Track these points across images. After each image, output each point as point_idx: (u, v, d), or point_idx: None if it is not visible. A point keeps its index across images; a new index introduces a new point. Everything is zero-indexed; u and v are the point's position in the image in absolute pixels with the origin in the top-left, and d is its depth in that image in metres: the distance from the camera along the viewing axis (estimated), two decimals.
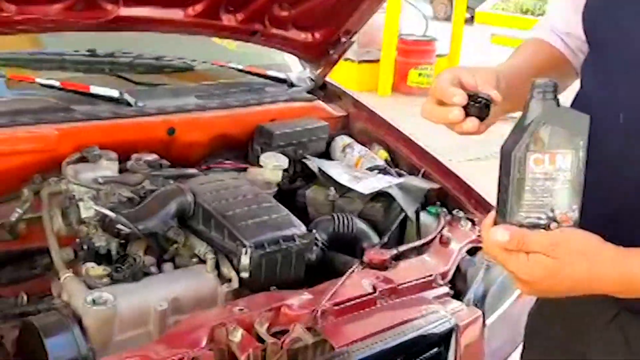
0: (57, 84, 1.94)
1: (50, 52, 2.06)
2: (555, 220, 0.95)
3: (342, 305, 1.57)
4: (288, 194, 2.13)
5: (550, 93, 0.95)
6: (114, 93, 1.98)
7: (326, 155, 2.36)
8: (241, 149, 2.27)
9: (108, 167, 1.85)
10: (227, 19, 2.13)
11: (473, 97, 1.06)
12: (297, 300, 1.56)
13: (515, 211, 0.96)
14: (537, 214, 0.96)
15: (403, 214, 2.02)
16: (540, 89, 0.95)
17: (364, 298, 1.62)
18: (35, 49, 2.14)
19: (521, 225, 0.96)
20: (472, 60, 8.54)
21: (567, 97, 1.15)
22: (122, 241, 1.78)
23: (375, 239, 1.91)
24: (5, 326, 1.71)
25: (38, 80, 1.91)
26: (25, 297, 1.72)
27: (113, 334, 1.50)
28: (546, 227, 0.96)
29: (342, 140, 2.38)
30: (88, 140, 1.89)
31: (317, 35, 2.36)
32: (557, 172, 0.94)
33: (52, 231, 1.73)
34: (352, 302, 1.59)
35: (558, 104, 0.96)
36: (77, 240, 1.78)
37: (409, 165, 2.26)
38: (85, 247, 1.75)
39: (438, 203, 2.11)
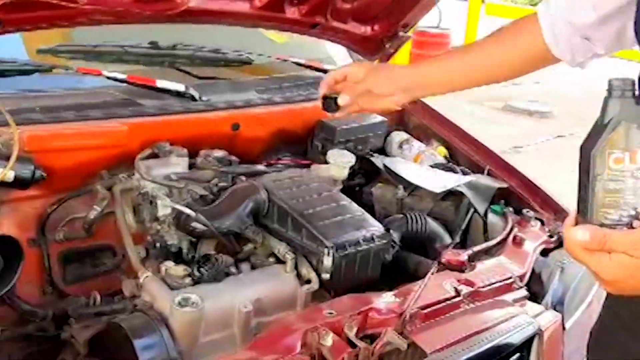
0: (123, 77, 1.89)
1: (112, 45, 2.01)
2: (638, 218, 0.93)
3: (428, 310, 1.54)
4: (347, 190, 2.09)
5: (629, 91, 0.93)
6: (180, 87, 1.94)
7: (382, 151, 2.33)
8: (300, 144, 2.24)
9: (178, 164, 1.82)
10: (291, 12, 2.08)
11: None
12: (384, 303, 1.52)
13: (595, 210, 0.94)
14: (618, 212, 0.94)
15: (471, 213, 1.99)
16: (619, 88, 0.93)
17: (449, 302, 1.59)
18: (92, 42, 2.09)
19: (602, 225, 0.94)
20: None
21: None
22: (194, 240, 1.75)
23: (447, 239, 1.88)
24: (77, 326, 1.68)
25: (105, 73, 1.87)
26: (98, 297, 1.69)
27: (199, 336, 1.47)
28: (629, 226, 0.94)
29: (398, 136, 2.35)
30: (157, 135, 1.85)
31: (376, 28, 2.31)
32: (638, 170, 0.92)
33: (127, 229, 1.69)
34: (438, 306, 1.56)
35: (637, 102, 0.94)
36: (149, 238, 1.75)
37: (470, 162, 2.23)
38: (157, 245, 1.72)
39: (502, 201, 2.08)
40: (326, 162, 2.07)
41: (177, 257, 1.78)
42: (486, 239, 1.97)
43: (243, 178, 1.81)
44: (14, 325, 1.73)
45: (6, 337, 1.71)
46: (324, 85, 1.62)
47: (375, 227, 1.71)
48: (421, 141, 2.33)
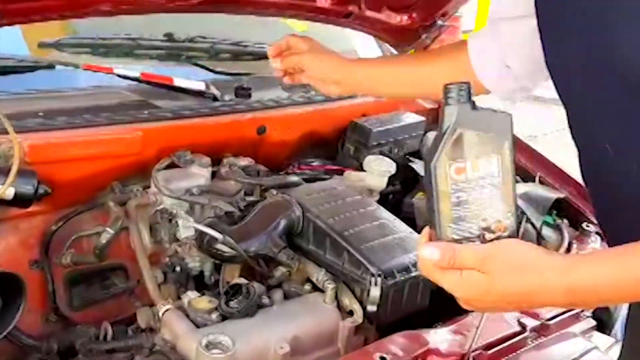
0: (137, 75, 1.67)
1: (122, 37, 1.79)
2: (489, 230, 0.87)
3: (493, 350, 1.34)
4: (380, 200, 1.88)
5: (464, 96, 0.86)
6: (200, 86, 1.73)
7: (417, 154, 2.11)
8: (329, 147, 2.02)
9: (201, 175, 1.61)
10: (321, 1, 1.86)
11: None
12: (443, 342, 1.32)
13: (444, 226, 0.88)
14: (467, 225, 0.87)
15: (523, 227, 1.77)
16: (453, 93, 0.86)
17: (514, 339, 1.38)
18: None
19: (453, 240, 0.88)
20: None
21: None
22: (217, 262, 1.55)
23: None
24: None
25: (117, 71, 1.65)
26: (110, 329, 1.48)
27: None
28: (482, 239, 0.87)
29: (433, 136, 2.12)
30: (174, 141, 1.64)
31: (412, 17, 2.09)
32: (482, 179, 0.86)
33: (143, 251, 1.48)
34: (503, 345, 1.36)
35: (474, 107, 0.87)
36: (167, 259, 1.54)
37: (517, 167, 2.01)
38: (177, 268, 1.51)
39: (554, 212, 1.87)
40: (359, 168, 1.86)
41: (198, 282, 1.57)
42: None
43: (274, 192, 1.59)
44: (12, 358, 1.53)
45: None
46: (271, 50, 1.48)
47: None
48: None
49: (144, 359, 1.30)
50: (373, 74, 1.46)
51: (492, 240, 0.87)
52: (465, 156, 0.86)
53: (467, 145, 0.86)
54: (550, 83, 1.06)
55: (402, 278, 1.42)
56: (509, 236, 0.89)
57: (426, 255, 0.88)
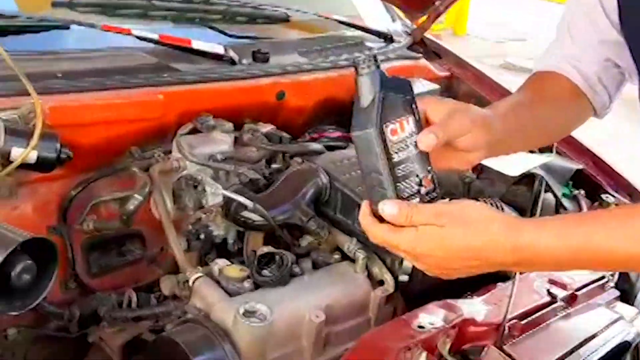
0: (155, 36, 1.62)
1: None
2: (421, 185, 0.96)
3: (526, 320, 1.33)
4: None
5: (375, 65, 0.93)
6: (219, 49, 1.67)
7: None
8: (344, 114, 1.98)
9: (223, 140, 1.56)
10: None
11: None
12: (477, 312, 1.32)
13: (392, 187, 0.93)
14: (409, 183, 0.95)
15: (542, 199, 1.77)
16: (370, 63, 0.93)
17: (546, 309, 1.38)
18: None
19: (402, 199, 0.94)
20: None
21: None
22: (241, 230, 1.52)
23: None
24: (110, 330, 1.44)
25: (135, 32, 1.59)
26: (134, 296, 1.45)
27: (266, 352, 1.25)
28: (420, 195, 0.96)
29: None
30: (195, 106, 1.59)
31: None
32: (408, 138, 0.94)
33: (169, 218, 1.44)
34: (535, 315, 1.36)
35: (383, 72, 0.94)
36: (190, 227, 1.51)
37: None
38: (201, 236, 1.48)
39: (570, 183, 1.87)
40: None
41: (221, 250, 1.55)
42: None
43: (298, 159, 1.56)
44: (31, 324, 1.49)
45: (23, 338, 1.47)
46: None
47: None
48: None
49: (177, 326, 1.27)
50: (512, 132, 1.16)
51: (426, 194, 0.96)
52: (393, 118, 0.92)
53: (392, 107, 0.92)
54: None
55: None
56: (434, 190, 0.97)
57: (386, 211, 0.93)
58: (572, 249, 0.91)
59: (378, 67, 0.93)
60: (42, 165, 1.35)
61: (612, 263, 0.97)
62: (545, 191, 1.74)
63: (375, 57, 0.93)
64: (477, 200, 1.60)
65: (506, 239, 0.91)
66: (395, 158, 0.93)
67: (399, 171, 0.94)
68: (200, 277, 1.34)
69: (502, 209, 1.64)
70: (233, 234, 1.53)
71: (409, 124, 0.94)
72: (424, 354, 1.20)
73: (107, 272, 1.60)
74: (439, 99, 1.12)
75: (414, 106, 0.95)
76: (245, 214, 1.44)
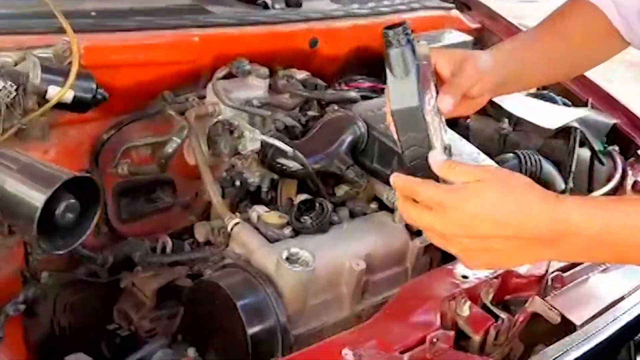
0: None
1: None
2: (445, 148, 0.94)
3: (568, 272, 1.32)
4: None
5: (406, 38, 0.87)
6: None
7: None
8: (376, 65, 1.94)
9: (258, 86, 1.53)
10: None
11: None
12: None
13: (441, 152, 0.91)
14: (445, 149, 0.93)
15: (576, 154, 1.74)
16: (397, 38, 0.87)
17: (586, 263, 1.37)
18: None
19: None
20: None
21: None
22: (275, 178, 1.49)
23: (561, 183, 1.64)
24: (144, 275, 1.43)
25: None
26: (169, 242, 1.43)
27: (307, 298, 1.24)
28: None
29: None
30: (229, 50, 1.55)
31: None
32: (434, 103, 0.93)
33: (205, 163, 1.41)
34: (577, 268, 1.34)
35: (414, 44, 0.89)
36: (224, 173, 1.48)
37: (566, 93, 1.97)
38: (237, 183, 1.45)
39: (604, 139, 1.84)
40: None
41: (254, 198, 1.52)
42: (590, 183, 1.75)
43: (335, 107, 1.53)
44: (61, 269, 1.48)
45: (54, 283, 1.45)
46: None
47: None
48: None
49: (217, 271, 1.26)
50: (524, 70, 1.14)
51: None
52: (425, 87, 0.89)
53: (423, 76, 0.88)
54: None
55: None
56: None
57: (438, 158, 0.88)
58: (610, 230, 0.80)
59: (409, 39, 0.87)
60: (77, 105, 1.32)
61: None
62: (582, 145, 1.71)
63: (405, 27, 0.87)
64: (514, 153, 1.58)
65: (544, 206, 0.82)
66: (431, 128, 0.89)
67: (434, 138, 0.90)
68: (238, 223, 1.32)
69: (540, 162, 1.61)
70: (267, 181, 1.50)
71: (432, 90, 0.92)
72: (468, 304, 1.19)
73: (138, 218, 1.59)
74: (444, 50, 1.04)
75: (430, 73, 0.94)
76: (282, 160, 1.42)
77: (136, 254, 1.41)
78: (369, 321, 1.14)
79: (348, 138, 1.45)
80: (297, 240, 1.28)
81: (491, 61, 1.04)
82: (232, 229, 1.31)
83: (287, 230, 1.30)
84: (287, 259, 1.19)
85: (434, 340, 1.10)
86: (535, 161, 1.59)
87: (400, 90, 0.87)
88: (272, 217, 1.32)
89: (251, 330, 1.14)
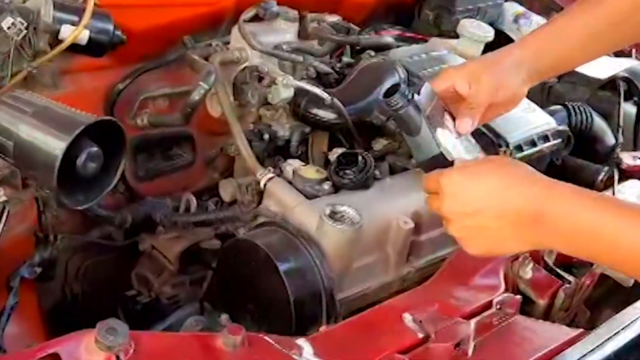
0: None
1: None
2: None
3: None
4: None
5: (407, 100, 0.91)
6: None
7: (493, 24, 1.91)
8: (404, 12, 1.82)
9: (287, 30, 1.39)
10: None
11: None
12: None
13: None
14: None
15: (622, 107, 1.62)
16: (400, 103, 0.91)
17: None
18: None
19: None
20: None
21: None
22: (307, 131, 1.37)
23: (611, 138, 1.52)
24: (166, 236, 1.31)
25: None
26: (194, 201, 1.31)
27: (352, 259, 1.12)
28: None
29: (512, 7, 1.93)
30: None
31: None
32: (452, 129, 0.96)
33: (233, 113, 1.29)
34: None
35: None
36: (251, 126, 1.36)
37: None
38: (265, 136, 1.33)
39: None
40: (439, 36, 1.67)
41: (284, 153, 1.40)
42: (636, 139, 1.64)
43: (371, 52, 1.40)
44: (73, 230, 1.36)
45: (64, 246, 1.33)
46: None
47: (547, 122, 1.34)
48: (539, 15, 1.92)
49: (252, 230, 1.14)
50: (561, 56, 1.07)
51: None
52: (440, 125, 0.94)
53: (435, 118, 0.93)
54: None
55: (529, 152, 1.27)
56: None
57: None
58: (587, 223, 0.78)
59: (409, 98, 0.90)
60: (93, 48, 1.19)
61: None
62: (631, 97, 1.59)
63: (404, 92, 0.90)
64: (562, 104, 1.46)
65: (532, 187, 0.82)
66: (455, 155, 0.92)
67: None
68: (273, 177, 1.19)
69: (591, 115, 1.49)
70: (298, 135, 1.37)
71: (448, 120, 0.95)
72: (531, 265, 1.08)
73: (155, 176, 1.47)
74: (459, 68, 1.00)
75: (439, 100, 0.95)
76: (317, 111, 1.29)
77: (158, 213, 1.30)
78: (427, 283, 1.03)
79: (387, 86, 1.32)
80: (338, 197, 1.16)
81: (519, 57, 1.00)
82: (265, 185, 1.19)
83: (327, 186, 1.18)
84: (331, 216, 1.07)
85: (500, 305, 0.99)
86: (586, 114, 1.47)
87: (419, 145, 0.93)
88: (310, 172, 1.20)
89: (294, 295, 1.03)
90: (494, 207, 0.82)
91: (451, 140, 0.93)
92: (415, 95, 0.91)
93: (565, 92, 1.59)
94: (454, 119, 0.95)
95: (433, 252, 1.25)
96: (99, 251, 1.43)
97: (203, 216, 1.25)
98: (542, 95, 1.59)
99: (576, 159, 1.44)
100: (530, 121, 1.32)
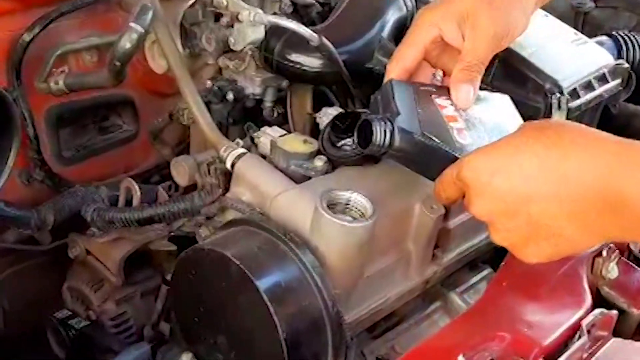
0: None
1: None
2: None
3: None
4: None
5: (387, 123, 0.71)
6: None
7: None
8: None
9: None
10: None
11: None
12: None
13: None
14: None
15: None
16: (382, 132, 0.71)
17: None
18: None
19: None
20: None
21: None
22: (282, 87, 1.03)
23: None
24: (103, 240, 0.98)
25: None
26: (137, 189, 0.96)
27: (363, 267, 0.79)
28: None
29: None
30: None
31: None
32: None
33: (182, 63, 0.93)
34: None
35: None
36: (208, 82, 1.01)
37: None
38: (228, 96, 0.99)
39: None
40: None
41: (253, 117, 1.06)
42: None
43: None
44: None
45: None
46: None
47: (603, 57, 1.02)
48: None
49: (220, 231, 0.80)
50: None
51: None
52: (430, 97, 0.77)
53: (424, 97, 0.77)
54: None
55: (588, 98, 0.94)
56: None
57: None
58: None
59: (391, 131, 0.71)
60: None
61: None
62: None
63: (383, 118, 0.71)
64: (608, 35, 1.14)
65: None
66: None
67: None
68: (243, 154, 0.85)
69: (637, 42, 1.17)
70: (272, 91, 1.03)
71: (442, 99, 0.77)
72: (616, 260, 0.76)
73: (86, 156, 1.12)
74: (439, 8, 0.78)
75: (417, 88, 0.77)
76: (297, 57, 0.94)
77: (88, 208, 0.94)
78: (481, 302, 0.70)
79: (391, 19, 0.98)
80: (338, 177, 0.83)
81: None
82: (233, 164, 0.85)
83: (320, 162, 0.84)
84: (331, 207, 0.74)
85: (589, 328, 0.67)
86: (626, 40, 1.14)
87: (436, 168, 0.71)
88: (295, 143, 0.86)
89: (286, 328, 0.69)
90: (545, 192, 0.59)
91: (460, 122, 0.72)
92: (395, 123, 0.69)
93: (605, 19, 1.27)
94: (448, 90, 0.75)
95: (465, 240, 0.93)
96: (16, 259, 1.09)
97: (149, 210, 0.90)
98: (576, 24, 1.27)
99: (627, 104, 1.12)
100: (582, 56, 0.99)
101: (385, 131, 0.70)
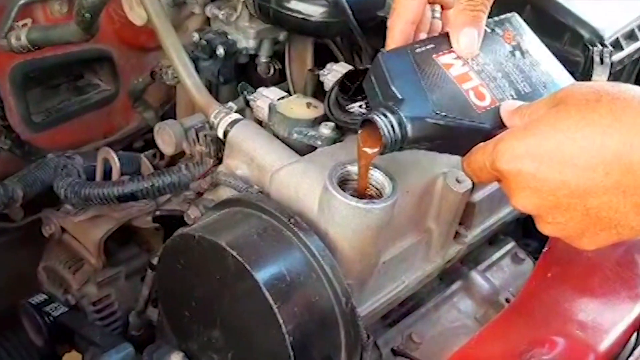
0: None
1: None
2: None
3: None
4: None
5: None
6: None
7: None
8: None
9: None
10: None
11: None
12: None
13: None
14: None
15: None
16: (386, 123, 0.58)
17: None
18: None
19: None
20: None
21: None
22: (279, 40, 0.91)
23: None
24: (79, 218, 0.87)
25: None
26: (115, 159, 0.84)
27: (379, 255, 0.68)
28: None
29: None
30: None
31: None
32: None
33: (163, 13, 0.80)
34: None
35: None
36: (195, 35, 0.89)
37: None
38: (218, 51, 0.86)
39: None
40: None
41: (247, 76, 0.94)
42: None
43: None
44: None
45: None
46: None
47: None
48: None
49: (211, 211, 0.68)
50: None
51: None
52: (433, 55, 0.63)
53: (426, 60, 0.63)
54: None
55: (631, 49, 0.82)
56: None
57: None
58: None
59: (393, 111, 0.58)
60: None
61: None
62: None
63: (386, 108, 0.58)
64: None
65: None
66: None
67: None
68: (238, 120, 0.73)
69: None
70: (268, 45, 0.91)
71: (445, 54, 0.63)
72: None
73: (59, 121, 1.00)
74: None
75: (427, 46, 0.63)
76: (296, 4, 0.81)
77: (62, 183, 0.83)
78: (524, 296, 0.60)
79: None
80: (347, 146, 0.71)
81: None
82: (226, 133, 0.73)
83: (327, 130, 0.72)
84: (342, 184, 0.62)
85: None
86: None
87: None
88: (296, 107, 0.74)
89: (291, 326, 0.59)
90: (605, 185, 0.49)
91: (474, 79, 0.60)
92: (402, 111, 0.57)
93: None
94: (448, 39, 0.63)
95: (490, 214, 0.82)
96: None
97: (131, 185, 0.78)
98: None
99: None
100: (622, 3, 0.86)
101: (392, 126, 0.57)
